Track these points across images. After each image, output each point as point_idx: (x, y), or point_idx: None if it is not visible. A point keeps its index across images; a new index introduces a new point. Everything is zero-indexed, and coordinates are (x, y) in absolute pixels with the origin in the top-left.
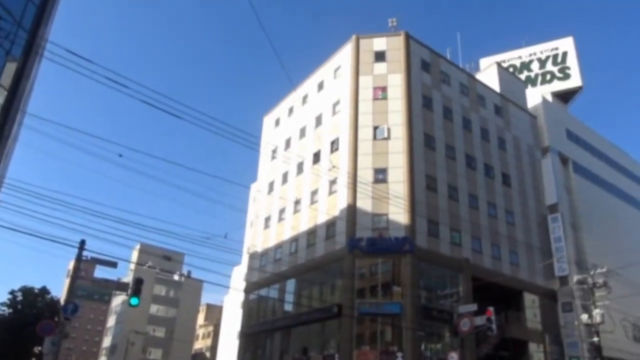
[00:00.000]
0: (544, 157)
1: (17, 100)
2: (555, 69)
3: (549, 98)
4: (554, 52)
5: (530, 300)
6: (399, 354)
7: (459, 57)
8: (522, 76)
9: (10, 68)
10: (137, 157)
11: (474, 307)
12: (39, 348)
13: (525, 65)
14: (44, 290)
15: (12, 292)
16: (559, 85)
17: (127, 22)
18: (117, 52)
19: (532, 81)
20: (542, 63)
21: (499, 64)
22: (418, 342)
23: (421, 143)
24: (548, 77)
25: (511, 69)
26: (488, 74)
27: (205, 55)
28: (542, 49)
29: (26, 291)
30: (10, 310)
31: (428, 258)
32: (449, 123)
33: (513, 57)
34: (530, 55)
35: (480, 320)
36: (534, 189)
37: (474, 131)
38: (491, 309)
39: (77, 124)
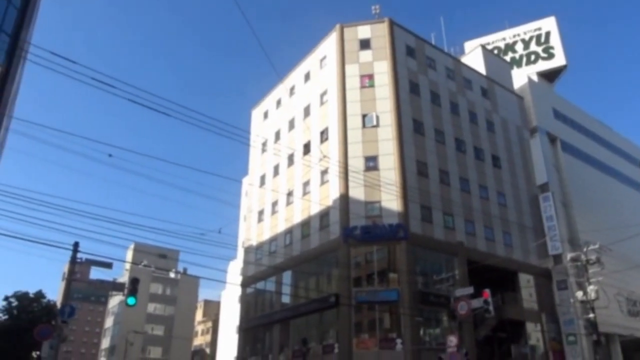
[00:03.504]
0: (532, 137)
1: (3, 105)
2: (539, 49)
3: (535, 78)
4: (537, 32)
5: (526, 280)
6: (398, 341)
7: (443, 41)
8: (507, 58)
9: None
10: (127, 156)
11: (470, 290)
12: (37, 353)
13: (510, 47)
14: (40, 295)
15: (6, 298)
16: (543, 65)
17: (110, 24)
18: (102, 55)
19: (517, 62)
20: (526, 44)
21: (483, 47)
22: (417, 328)
23: (410, 129)
24: (532, 57)
25: (496, 51)
26: (473, 57)
27: (190, 53)
28: (526, 30)
29: (21, 296)
30: (6, 317)
31: (423, 243)
32: (437, 108)
33: (497, 39)
34: (514, 36)
35: (477, 303)
36: (524, 170)
37: (462, 115)
38: (487, 290)
39: (64, 126)
